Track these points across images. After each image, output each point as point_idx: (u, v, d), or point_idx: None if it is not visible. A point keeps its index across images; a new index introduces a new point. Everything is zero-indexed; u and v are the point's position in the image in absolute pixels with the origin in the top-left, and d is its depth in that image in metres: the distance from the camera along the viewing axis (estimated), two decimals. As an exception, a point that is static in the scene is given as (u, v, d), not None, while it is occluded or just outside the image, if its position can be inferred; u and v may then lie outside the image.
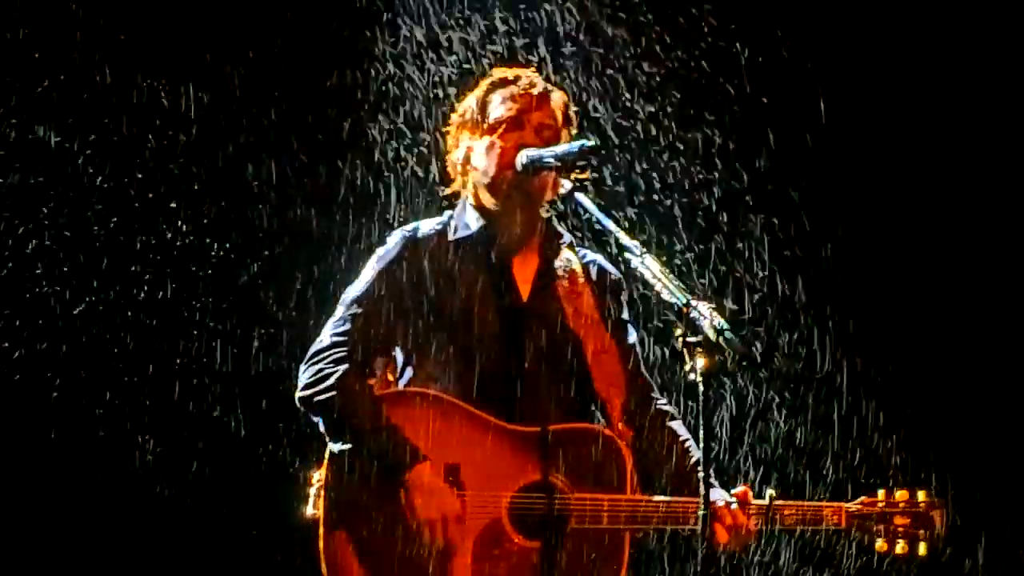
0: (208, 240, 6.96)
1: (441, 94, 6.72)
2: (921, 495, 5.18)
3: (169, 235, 6.95)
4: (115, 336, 6.94)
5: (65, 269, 6.88)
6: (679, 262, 7.02)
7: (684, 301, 4.48)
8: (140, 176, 6.92)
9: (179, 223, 6.95)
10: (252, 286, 6.96)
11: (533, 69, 5.29)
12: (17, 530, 6.89)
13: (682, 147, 7.13)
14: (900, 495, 5.18)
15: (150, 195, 6.93)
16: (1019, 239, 7.28)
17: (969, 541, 6.84)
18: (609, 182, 6.97)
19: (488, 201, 5.18)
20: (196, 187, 6.97)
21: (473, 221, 5.19)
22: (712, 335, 4.40)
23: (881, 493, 5.19)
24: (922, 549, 5.16)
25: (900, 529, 5.16)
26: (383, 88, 6.92)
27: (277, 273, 6.99)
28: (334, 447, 5.04)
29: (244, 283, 6.95)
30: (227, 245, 6.95)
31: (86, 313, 6.89)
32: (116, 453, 6.93)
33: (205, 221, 6.96)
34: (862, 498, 5.20)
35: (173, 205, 6.94)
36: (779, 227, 7.21)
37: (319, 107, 6.99)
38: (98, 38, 6.83)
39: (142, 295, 6.94)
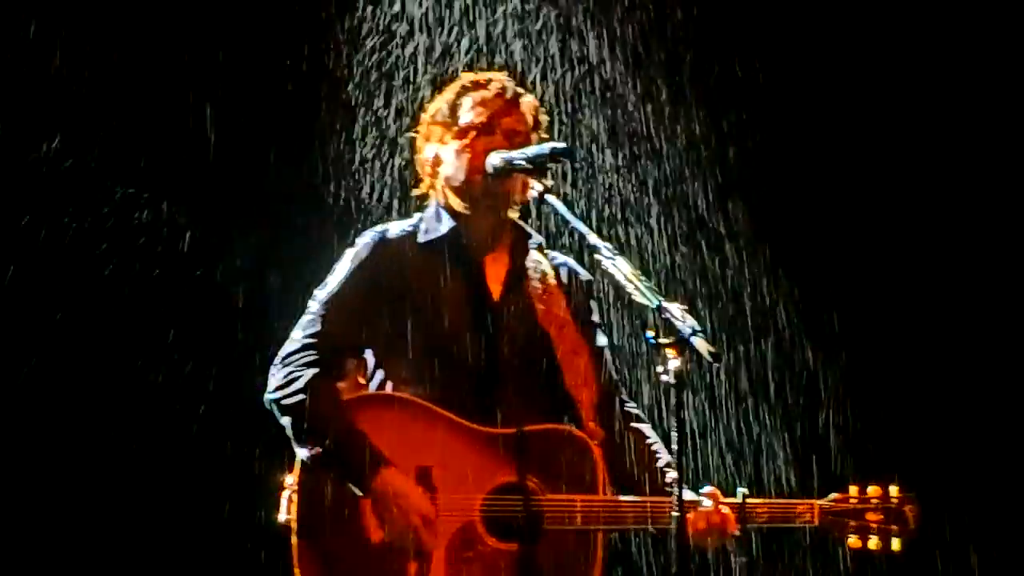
0: (185, 241, 6.93)
1: (416, 95, 6.70)
2: (894, 491, 5.16)
3: (146, 233, 6.92)
4: (92, 338, 6.91)
5: (51, 270, 6.85)
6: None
7: (656, 303, 4.48)
8: (123, 175, 6.88)
9: (159, 219, 6.93)
10: (228, 287, 6.92)
11: (505, 73, 5.28)
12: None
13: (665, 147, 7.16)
14: (872, 491, 5.16)
15: (131, 195, 6.90)
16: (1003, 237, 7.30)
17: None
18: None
19: (457, 205, 5.17)
20: (178, 184, 6.95)
21: (443, 223, 5.18)
22: (682, 336, 4.40)
23: (853, 489, 5.17)
24: (895, 545, 5.14)
25: (873, 525, 5.13)
26: (358, 85, 6.90)
27: (251, 272, 6.96)
28: (300, 453, 5.02)
29: (219, 282, 6.92)
30: (204, 246, 6.92)
31: (68, 315, 6.86)
32: (90, 455, 6.90)
33: (183, 220, 6.93)
34: (834, 495, 5.17)
35: (155, 203, 6.91)
36: (763, 225, 7.23)
37: (294, 103, 6.95)
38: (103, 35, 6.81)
39: (118, 295, 6.91)
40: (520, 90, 5.21)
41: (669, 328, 4.42)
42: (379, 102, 6.83)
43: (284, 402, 5.04)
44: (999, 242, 7.27)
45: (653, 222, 7.10)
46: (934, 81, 7.22)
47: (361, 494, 4.95)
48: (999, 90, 7.26)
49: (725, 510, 5.07)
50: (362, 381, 5.17)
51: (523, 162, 4.96)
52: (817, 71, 7.24)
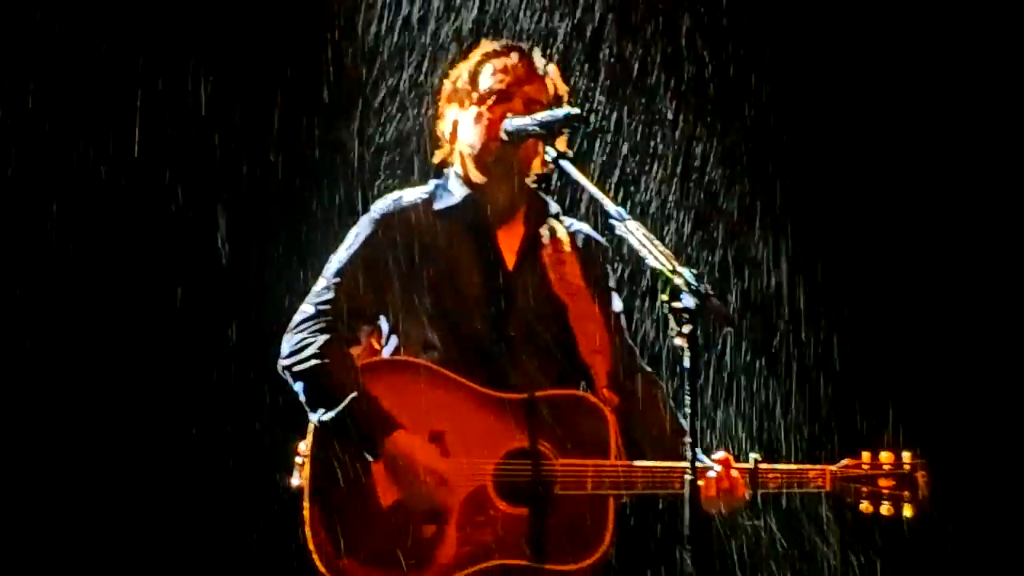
0: (195, 214, 6.94)
1: (432, 65, 6.70)
2: (906, 456, 5.16)
3: (155, 216, 6.94)
4: (99, 315, 6.93)
5: (59, 262, 6.87)
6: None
7: (669, 267, 4.47)
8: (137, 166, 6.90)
9: (169, 204, 6.94)
10: (240, 258, 6.93)
11: (527, 43, 5.26)
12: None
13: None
14: (885, 457, 5.15)
15: (146, 183, 6.92)
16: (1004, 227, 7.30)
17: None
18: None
19: (473, 172, 5.16)
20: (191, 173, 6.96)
21: (458, 190, 5.18)
22: (696, 300, 4.40)
23: (866, 455, 5.17)
24: (907, 511, 5.13)
25: (885, 491, 5.13)
26: (375, 57, 6.90)
27: (263, 242, 6.96)
28: (312, 417, 5.03)
29: (230, 255, 6.93)
30: (213, 218, 6.93)
31: (78, 296, 6.88)
32: (98, 424, 6.92)
33: (193, 197, 6.95)
34: (846, 460, 5.17)
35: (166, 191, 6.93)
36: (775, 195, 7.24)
37: (308, 78, 6.95)
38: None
39: (128, 274, 6.93)
40: (543, 59, 5.20)
41: (682, 293, 4.41)
42: (391, 76, 6.85)
43: (296, 368, 5.05)
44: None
45: (663, 190, 7.12)
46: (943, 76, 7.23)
47: (372, 458, 4.96)
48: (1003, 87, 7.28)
49: (735, 475, 5.07)
50: (377, 347, 5.18)
51: (535, 127, 4.95)
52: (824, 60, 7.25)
